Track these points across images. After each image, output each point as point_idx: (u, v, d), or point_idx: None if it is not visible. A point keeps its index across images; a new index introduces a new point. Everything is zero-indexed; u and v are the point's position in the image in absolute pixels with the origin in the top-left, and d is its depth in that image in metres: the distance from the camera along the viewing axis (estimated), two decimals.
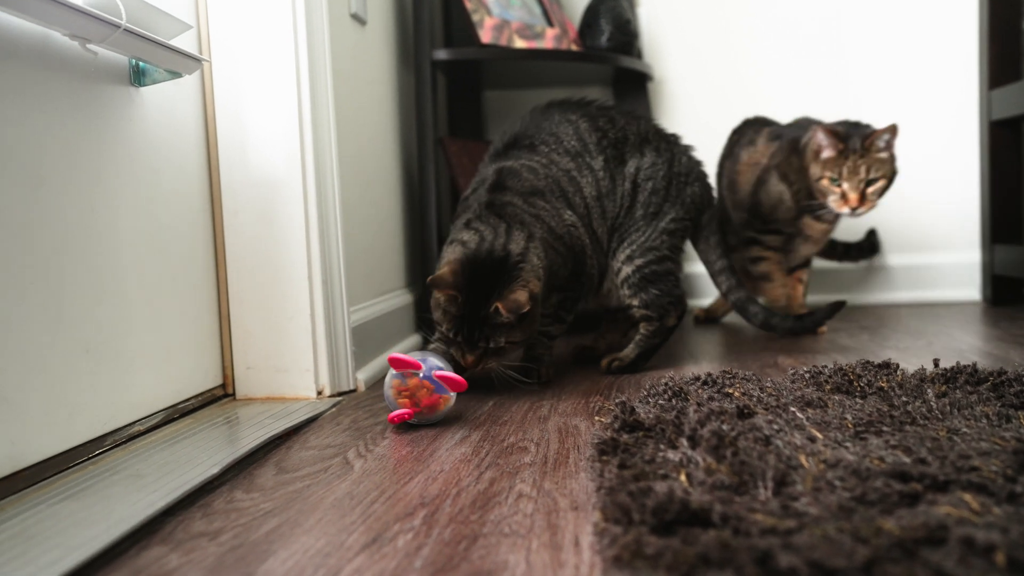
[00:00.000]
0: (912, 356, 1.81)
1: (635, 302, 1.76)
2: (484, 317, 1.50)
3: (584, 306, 1.84)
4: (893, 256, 2.85)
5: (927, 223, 2.84)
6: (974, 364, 1.36)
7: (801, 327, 1.85)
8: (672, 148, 1.84)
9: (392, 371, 1.39)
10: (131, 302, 1.32)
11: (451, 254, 1.57)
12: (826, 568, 0.65)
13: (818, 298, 2.80)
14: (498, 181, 1.68)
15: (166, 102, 1.45)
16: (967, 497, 0.81)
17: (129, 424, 1.30)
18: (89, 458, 1.18)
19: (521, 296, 1.49)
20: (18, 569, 0.80)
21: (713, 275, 1.93)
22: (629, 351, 1.79)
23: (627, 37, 2.61)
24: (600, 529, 0.82)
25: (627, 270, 1.75)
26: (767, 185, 2.28)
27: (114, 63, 1.31)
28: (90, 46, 1.19)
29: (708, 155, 2.78)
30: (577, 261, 1.69)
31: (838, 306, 1.89)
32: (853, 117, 2.62)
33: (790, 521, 0.77)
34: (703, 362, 1.86)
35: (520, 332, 1.54)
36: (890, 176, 2.14)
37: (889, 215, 2.82)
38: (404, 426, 1.39)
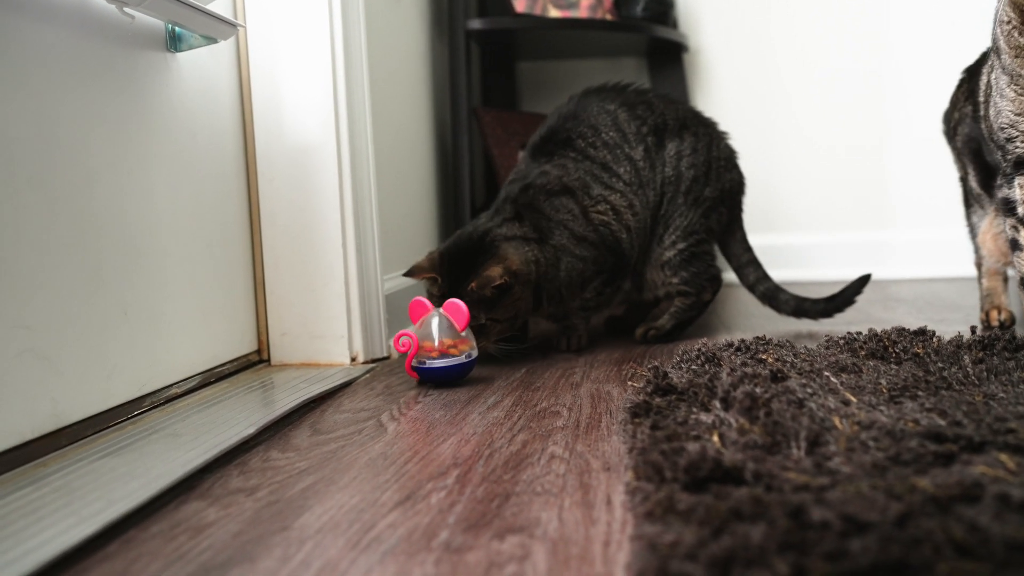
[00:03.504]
0: (947, 327, 1.79)
1: (674, 279, 1.76)
2: (462, 296, 1.52)
3: (626, 295, 1.83)
4: (928, 230, 2.81)
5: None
6: (1012, 331, 1.35)
7: (835, 307, 1.83)
8: (710, 132, 1.83)
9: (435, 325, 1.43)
10: (168, 267, 1.34)
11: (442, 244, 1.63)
12: (859, 521, 0.65)
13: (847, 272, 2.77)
14: (528, 184, 1.70)
15: (202, 68, 1.46)
16: (1003, 457, 0.80)
17: (166, 387, 1.32)
18: (128, 418, 1.21)
19: (494, 271, 1.50)
20: (63, 519, 0.82)
21: (738, 268, 1.91)
22: (664, 321, 1.79)
23: (662, 7, 2.58)
24: (632, 488, 0.83)
25: (669, 254, 1.76)
26: None
27: (151, 28, 1.32)
28: (127, 10, 1.20)
29: (745, 124, 2.77)
30: (615, 251, 1.70)
31: (865, 280, 1.86)
32: (900, 81, 2.58)
33: (823, 479, 0.77)
34: (736, 331, 1.86)
35: (502, 310, 1.55)
36: None
37: (916, 188, 2.79)
38: (436, 391, 1.40)
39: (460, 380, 1.45)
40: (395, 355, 1.72)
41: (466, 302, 1.47)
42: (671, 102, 1.86)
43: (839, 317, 1.87)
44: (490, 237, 1.59)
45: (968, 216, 1.92)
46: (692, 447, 0.86)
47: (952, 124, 1.89)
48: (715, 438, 0.91)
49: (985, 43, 1.63)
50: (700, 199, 1.76)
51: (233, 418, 1.20)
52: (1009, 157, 1.46)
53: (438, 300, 1.55)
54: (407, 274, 1.62)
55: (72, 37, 1.14)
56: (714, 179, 1.78)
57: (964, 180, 1.89)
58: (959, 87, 1.86)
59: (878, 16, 2.82)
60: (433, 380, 1.44)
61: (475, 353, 1.45)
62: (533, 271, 1.58)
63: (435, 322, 1.43)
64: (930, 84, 2.76)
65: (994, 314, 1.82)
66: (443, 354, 1.42)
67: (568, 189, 1.68)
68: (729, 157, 1.85)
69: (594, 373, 1.48)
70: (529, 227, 1.63)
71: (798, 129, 2.88)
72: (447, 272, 1.57)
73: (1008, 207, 1.50)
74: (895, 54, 2.81)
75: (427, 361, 1.42)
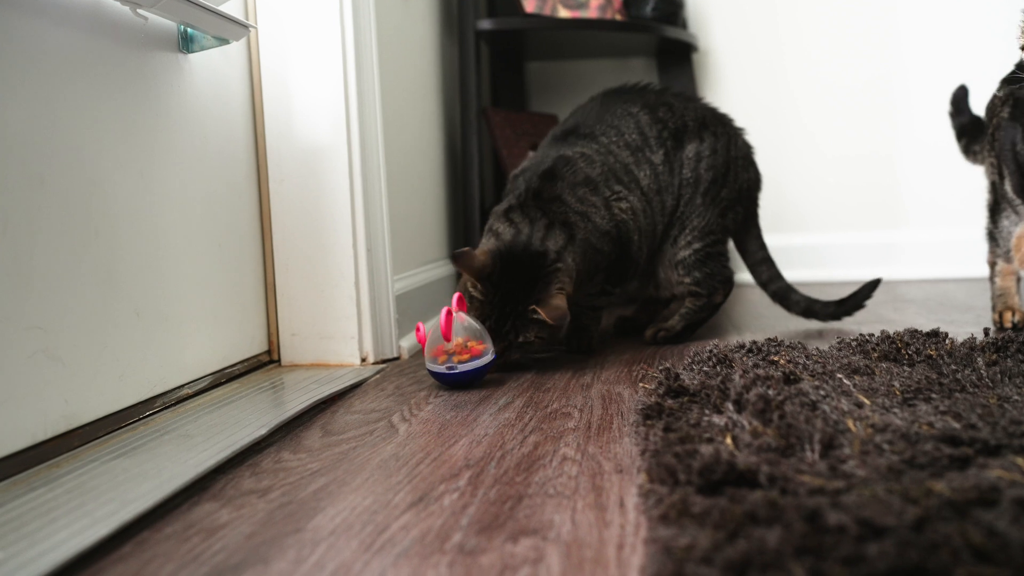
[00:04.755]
0: (958, 328, 1.78)
1: (687, 279, 1.76)
2: (519, 312, 1.50)
3: (636, 292, 1.83)
4: (938, 230, 2.80)
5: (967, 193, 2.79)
6: None
7: (844, 311, 1.84)
8: (728, 131, 1.83)
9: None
10: (179, 268, 1.34)
11: (484, 245, 1.57)
12: (876, 526, 0.65)
13: (861, 273, 2.76)
14: (552, 169, 1.66)
15: (213, 69, 1.47)
16: (1019, 461, 0.80)
17: (178, 387, 1.32)
18: (140, 419, 1.21)
19: (561, 302, 1.48)
20: (77, 520, 0.82)
21: (752, 265, 1.91)
22: (675, 322, 1.79)
23: (672, 7, 2.58)
24: (645, 490, 0.82)
25: (684, 253, 1.75)
26: None
27: (163, 29, 1.32)
28: (140, 11, 1.20)
29: (754, 124, 2.76)
30: (624, 250, 1.69)
31: (874, 284, 1.87)
32: (909, 82, 2.57)
33: (838, 482, 0.77)
34: (746, 332, 1.85)
35: (551, 330, 1.53)
36: None
37: (927, 188, 2.78)
38: (447, 392, 1.40)
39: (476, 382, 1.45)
40: (405, 355, 1.72)
41: (523, 319, 1.49)
42: (690, 101, 1.85)
43: (849, 318, 1.87)
44: (549, 258, 1.52)
45: (996, 220, 1.92)
46: (705, 449, 0.86)
47: (989, 130, 1.89)
48: (728, 440, 0.91)
49: (994, 45, 1.64)
50: (718, 199, 1.76)
51: (244, 419, 1.20)
52: None
53: (482, 304, 1.51)
54: (453, 258, 1.50)
55: (85, 39, 1.14)
56: (732, 179, 1.78)
57: (997, 184, 1.89)
58: (996, 95, 1.86)
59: (886, 17, 2.81)
60: (457, 383, 1.44)
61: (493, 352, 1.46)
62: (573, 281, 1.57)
63: (456, 325, 1.43)
64: (939, 84, 2.75)
65: (1007, 315, 1.81)
66: (472, 356, 1.42)
67: (591, 181, 1.67)
68: (747, 155, 1.85)
69: (604, 374, 1.48)
70: (560, 230, 1.57)
71: (807, 128, 2.87)
72: (497, 281, 1.51)
73: None
74: (903, 54, 2.80)
75: (459, 366, 1.42)
